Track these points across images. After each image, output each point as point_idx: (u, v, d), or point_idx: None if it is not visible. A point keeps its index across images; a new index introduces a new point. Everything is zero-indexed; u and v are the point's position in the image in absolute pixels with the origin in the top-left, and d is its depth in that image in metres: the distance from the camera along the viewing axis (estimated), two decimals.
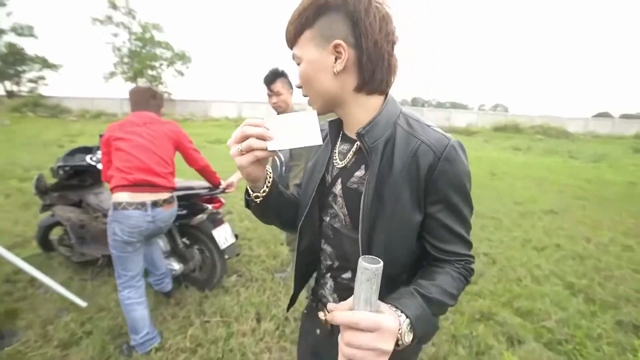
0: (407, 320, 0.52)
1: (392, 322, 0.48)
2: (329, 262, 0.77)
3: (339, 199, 0.71)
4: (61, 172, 2.40)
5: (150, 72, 24.47)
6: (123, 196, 1.63)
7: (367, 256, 0.47)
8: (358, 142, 0.66)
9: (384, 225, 0.63)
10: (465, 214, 0.66)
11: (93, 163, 2.37)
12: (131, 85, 24.79)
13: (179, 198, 2.08)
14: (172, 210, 1.82)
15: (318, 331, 0.81)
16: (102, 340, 1.78)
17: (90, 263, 2.50)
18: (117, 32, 24.58)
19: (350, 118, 0.68)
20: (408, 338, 0.51)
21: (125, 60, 24.66)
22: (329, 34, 0.60)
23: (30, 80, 26.29)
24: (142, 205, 1.65)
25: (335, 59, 0.60)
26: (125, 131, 1.71)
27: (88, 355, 1.69)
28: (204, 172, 2.04)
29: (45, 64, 26.37)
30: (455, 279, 0.65)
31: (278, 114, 1.97)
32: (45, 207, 2.55)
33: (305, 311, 0.91)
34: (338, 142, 0.74)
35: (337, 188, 0.71)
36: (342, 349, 0.48)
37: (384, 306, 0.51)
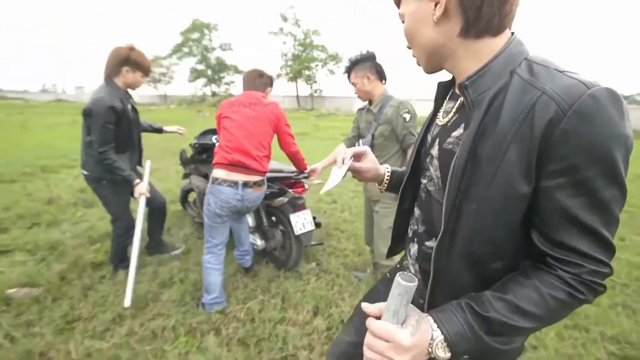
0: (442, 336, 0.50)
1: (405, 338, 0.50)
2: (416, 227, 0.73)
3: (435, 161, 0.65)
4: (194, 148, 2.95)
5: (306, 72, 27.72)
6: (220, 173, 1.79)
7: (405, 273, 0.50)
8: (462, 97, 0.59)
9: (479, 192, 0.52)
10: (605, 197, 0.46)
11: (215, 142, 2.79)
12: (292, 85, 29.05)
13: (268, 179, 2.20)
14: (260, 193, 1.92)
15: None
16: (186, 289, 2.08)
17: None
18: (286, 41, 28.99)
19: (459, 71, 0.59)
20: (443, 353, 0.50)
21: (289, 63, 28.78)
22: None
23: (226, 83, 34.41)
24: (235, 183, 1.77)
25: (435, 5, 0.54)
26: (233, 110, 1.85)
27: (172, 298, 2.00)
28: (294, 157, 2.09)
29: (236, 70, 33.97)
30: (545, 295, 0.49)
31: (365, 104, 2.03)
32: (185, 175, 3.20)
33: (388, 274, 0.92)
34: (445, 102, 0.68)
35: (435, 149, 0.65)
36: (365, 350, 0.53)
37: (413, 319, 0.52)
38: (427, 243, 0.68)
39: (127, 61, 1.94)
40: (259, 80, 1.95)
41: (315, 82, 28.19)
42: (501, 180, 0.50)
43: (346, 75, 1.94)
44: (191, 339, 1.68)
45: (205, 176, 2.93)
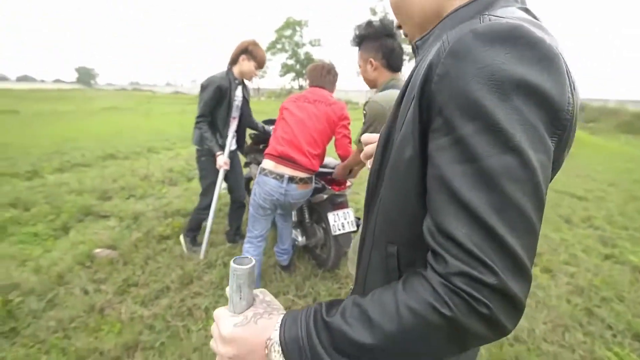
0: (277, 338, 0.41)
1: (226, 327, 0.44)
2: None
3: None
4: (252, 137, 3.06)
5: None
6: (269, 164, 1.77)
7: (244, 257, 0.46)
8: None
9: (391, 159, 0.46)
10: (490, 167, 0.33)
11: (270, 132, 2.78)
12: None
13: None
14: (306, 191, 1.86)
15: None
16: (226, 273, 2.20)
17: None
18: None
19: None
20: (275, 356, 0.41)
21: None
22: None
23: None
24: (280, 177, 1.74)
25: None
26: (296, 105, 1.83)
27: (212, 279, 2.13)
28: (343, 160, 1.99)
29: None
30: (399, 303, 0.36)
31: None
32: (246, 164, 3.37)
33: None
34: None
35: None
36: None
37: (253, 311, 0.45)
38: None
39: (245, 50, 2.21)
40: (327, 78, 1.90)
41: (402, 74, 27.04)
42: (400, 149, 0.43)
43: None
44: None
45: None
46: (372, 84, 1.55)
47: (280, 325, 0.42)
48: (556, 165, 0.41)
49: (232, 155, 2.45)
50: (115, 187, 3.89)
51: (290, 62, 35.23)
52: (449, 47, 0.37)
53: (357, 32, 1.49)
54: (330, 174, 2.16)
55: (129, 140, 6.93)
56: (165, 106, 18.61)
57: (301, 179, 1.78)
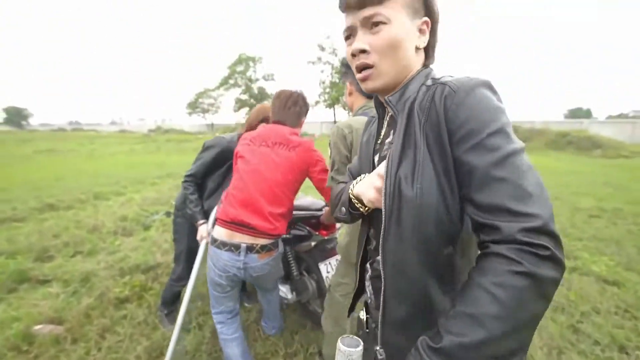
0: None
1: None
2: (370, 246, 0.73)
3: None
4: None
5: (344, 98, 28.19)
6: (221, 232, 1.43)
7: (349, 336, 0.52)
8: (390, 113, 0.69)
9: (415, 176, 0.56)
10: (507, 152, 0.50)
11: None
12: (330, 111, 29.65)
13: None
14: (270, 260, 1.48)
15: (360, 332, 0.78)
16: (203, 337, 1.93)
17: None
18: (323, 69, 29.97)
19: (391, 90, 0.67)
20: None
21: (327, 90, 29.53)
22: (419, 8, 0.62)
23: None
24: (236, 247, 1.39)
25: (420, 34, 0.63)
26: (251, 149, 1.48)
27: (187, 347, 1.84)
28: (326, 195, 1.64)
29: None
30: (489, 288, 0.44)
31: None
32: None
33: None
34: (382, 130, 0.74)
35: (376, 162, 0.71)
36: None
37: None
38: (377, 257, 0.66)
39: (267, 119, 1.84)
40: (292, 110, 1.54)
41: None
42: (426, 164, 0.55)
43: None
44: None
45: None
46: (350, 109, 1.57)
47: None
48: None
49: None
50: (57, 243, 3.37)
51: (244, 97, 35.53)
52: (460, 87, 0.55)
53: (344, 61, 1.54)
54: (316, 217, 1.96)
55: (71, 187, 6.22)
56: (112, 146, 17.39)
57: (262, 247, 1.42)
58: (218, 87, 35.90)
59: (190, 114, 37.86)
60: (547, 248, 0.44)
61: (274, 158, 1.45)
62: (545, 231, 0.45)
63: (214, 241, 1.43)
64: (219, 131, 31.47)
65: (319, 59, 29.68)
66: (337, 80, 28.87)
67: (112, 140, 22.44)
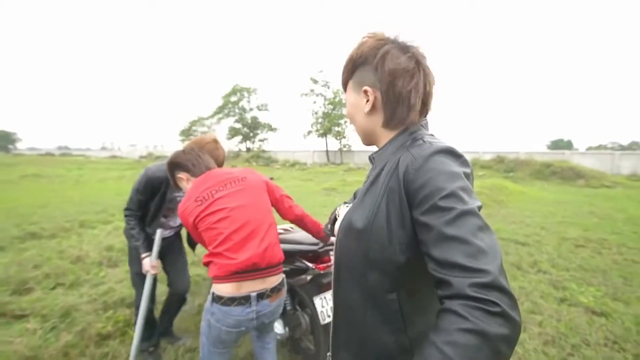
0: None
1: None
2: None
3: None
4: None
5: (336, 128, 28.83)
6: (226, 288, 1.30)
7: None
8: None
9: (363, 225, 0.66)
10: (460, 211, 0.54)
11: None
12: (322, 141, 30.20)
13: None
14: (280, 300, 1.43)
15: None
16: None
17: None
18: (316, 100, 30.90)
19: None
20: None
21: (319, 120, 30.26)
22: (361, 82, 0.75)
23: (260, 140, 36.51)
24: (246, 299, 1.30)
25: (366, 102, 0.74)
26: (211, 202, 1.35)
27: None
28: (302, 221, 1.67)
29: (270, 128, 36.16)
30: (440, 347, 0.45)
31: None
32: None
33: None
34: None
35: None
36: None
37: None
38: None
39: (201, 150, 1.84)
40: (206, 161, 1.52)
41: (344, 137, 29.09)
42: (379, 225, 0.64)
43: None
44: None
45: None
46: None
47: None
48: None
49: (173, 240, 2.18)
50: (36, 275, 3.23)
51: (238, 125, 36.03)
52: (419, 155, 0.62)
53: None
54: (312, 251, 1.94)
55: (55, 214, 6.06)
56: (101, 172, 17.15)
57: (272, 290, 1.35)
58: (212, 116, 36.42)
59: (183, 141, 37.97)
60: (496, 304, 0.45)
61: (243, 189, 1.41)
62: (494, 286, 0.46)
63: (219, 298, 1.30)
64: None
65: (312, 91, 30.68)
66: (329, 111, 29.73)
67: (102, 166, 22.19)
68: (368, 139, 0.81)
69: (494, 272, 0.47)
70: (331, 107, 29.80)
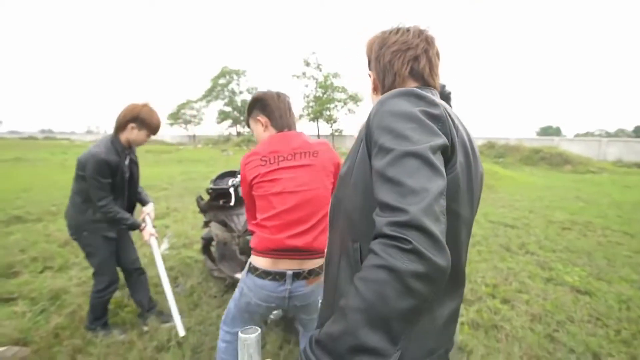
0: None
1: None
2: None
3: None
4: (210, 194, 2.77)
5: (327, 112, 28.56)
6: (262, 261, 1.26)
7: (246, 328, 0.58)
8: None
9: (348, 176, 0.69)
10: (399, 154, 0.53)
11: (231, 187, 2.47)
12: (313, 125, 29.93)
13: None
14: (317, 286, 1.30)
15: None
16: (183, 356, 1.84)
17: (223, 280, 2.64)
18: (308, 84, 30.40)
19: None
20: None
21: (310, 104, 29.89)
22: (369, 69, 0.87)
23: None
24: (281, 276, 1.24)
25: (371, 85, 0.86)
26: (271, 169, 1.26)
27: None
28: None
29: None
30: (357, 282, 0.48)
31: None
32: (205, 224, 2.93)
33: None
34: None
35: None
36: None
37: None
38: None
39: (135, 119, 1.90)
40: (292, 119, 1.39)
41: (336, 121, 28.87)
42: (357, 164, 0.66)
43: None
44: None
45: (224, 224, 2.65)
46: None
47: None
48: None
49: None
50: (23, 258, 3.17)
51: (227, 109, 35.35)
52: (379, 102, 0.64)
53: None
54: None
55: (41, 198, 5.91)
56: None
57: (310, 271, 1.26)
58: (201, 99, 35.60)
59: (171, 124, 37.17)
60: (409, 242, 0.44)
61: (305, 170, 1.28)
62: (412, 225, 0.45)
63: (255, 270, 1.26)
64: (200, 143, 31.01)
65: (304, 73, 30.14)
66: (321, 95, 29.33)
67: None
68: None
69: (414, 212, 0.45)
70: (322, 90, 29.37)
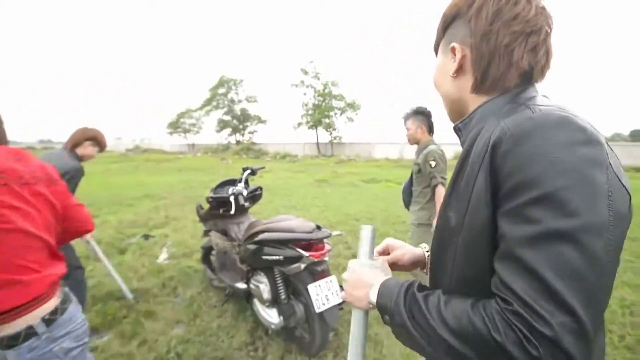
0: (376, 284, 0.60)
1: (354, 262, 0.68)
2: None
3: None
4: (210, 202, 2.63)
5: (326, 120, 28.70)
6: None
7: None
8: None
9: (457, 218, 0.53)
10: (550, 231, 0.39)
11: (231, 196, 2.47)
12: (312, 133, 30.03)
13: (274, 241, 1.92)
14: None
15: None
16: None
17: (223, 289, 2.63)
18: (306, 92, 30.62)
19: None
20: (372, 298, 0.60)
21: (309, 112, 30.05)
22: (451, 40, 0.61)
23: (250, 132, 36.12)
24: None
25: (453, 62, 0.60)
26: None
27: None
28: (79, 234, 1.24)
29: (259, 120, 35.78)
30: (465, 313, 0.45)
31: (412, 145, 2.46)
32: (205, 233, 2.89)
33: None
34: None
35: None
36: None
37: (378, 264, 0.68)
38: None
39: (93, 138, 2.29)
40: None
41: (335, 129, 28.97)
42: (474, 209, 0.49)
43: (403, 119, 2.40)
44: None
45: (224, 232, 2.63)
46: (415, 141, 2.39)
47: (384, 281, 0.60)
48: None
49: None
50: None
51: (227, 118, 35.49)
52: (511, 130, 0.46)
53: (414, 109, 2.37)
54: (306, 239, 1.89)
55: None
56: (85, 166, 16.63)
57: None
58: (200, 108, 35.77)
59: (171, 133, 37.24)
60: (537, 349, 0.38)
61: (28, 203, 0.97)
62: (549, 339, 0.38)
63: None
64: (200, 151, 31.04)
65: (302, 82, 30.37)
66: (320, 103, 29.53)
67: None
68: (456, 110, 0.64)
69: (557, 329, 0.37)
70: (321, 98, 29.59)
